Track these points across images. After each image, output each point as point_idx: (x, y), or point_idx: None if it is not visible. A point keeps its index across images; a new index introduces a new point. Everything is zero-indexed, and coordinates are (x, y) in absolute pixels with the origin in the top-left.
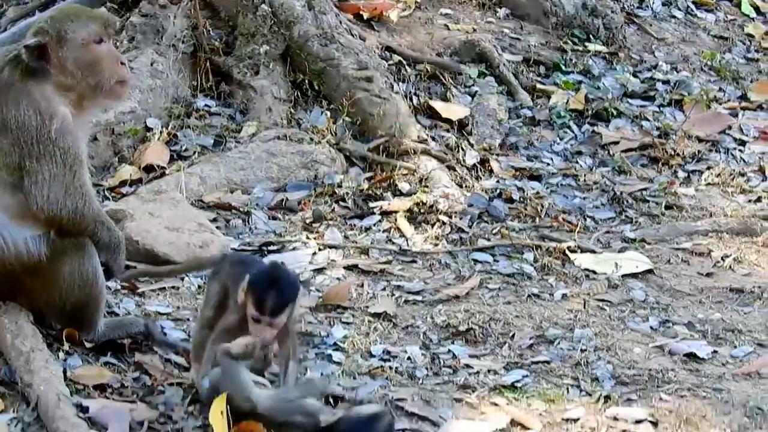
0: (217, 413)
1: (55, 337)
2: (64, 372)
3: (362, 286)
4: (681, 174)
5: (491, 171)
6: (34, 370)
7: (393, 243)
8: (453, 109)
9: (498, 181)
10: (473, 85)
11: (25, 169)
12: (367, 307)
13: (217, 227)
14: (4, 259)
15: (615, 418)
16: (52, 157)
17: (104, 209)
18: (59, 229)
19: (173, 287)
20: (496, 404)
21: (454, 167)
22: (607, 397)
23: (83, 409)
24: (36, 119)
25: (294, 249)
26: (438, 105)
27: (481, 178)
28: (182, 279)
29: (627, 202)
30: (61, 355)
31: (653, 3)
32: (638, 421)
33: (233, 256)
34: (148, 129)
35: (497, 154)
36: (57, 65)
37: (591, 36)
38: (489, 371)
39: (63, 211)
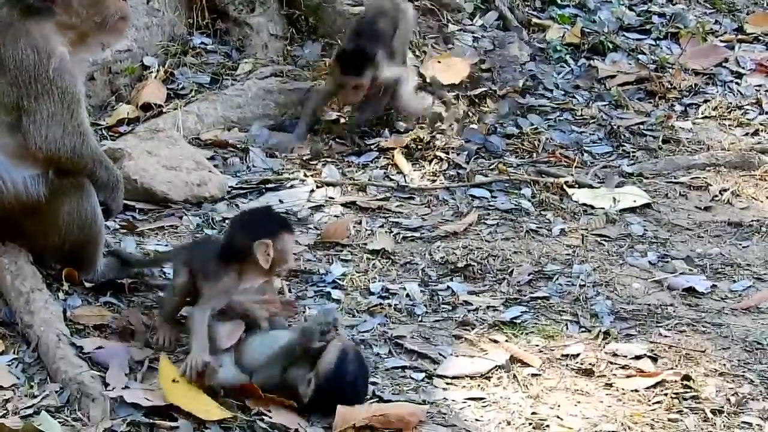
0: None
1: (54, 277)
2: (64, 312)
3: (360, 223)
4: (678, 107)
5: (488, 107)
6: (34, 310)
7: (391, 180)
8: (454, 69)
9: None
10: (471, 24)
11: (23, 109)
12: (366, 244)
13: (215, 165)
14: (2, 199)
15: (614, 354)
16: (50, 96)
17: (102, 148)
18: (58, 168)
19: (172, 226)
20: (495, 341)
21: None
22: (607, 333)
23: (83, 349)
24: (34, 58)
25: (292, 186)
26: (437, 68)
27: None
28: (180, 218)
29: (624, 136)
30: (61, 295)
31: None
32: (638, 357)
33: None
34: (144, 67)
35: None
36: (61, 4)
37: None
38: (488, 308)
39: (61, 151)
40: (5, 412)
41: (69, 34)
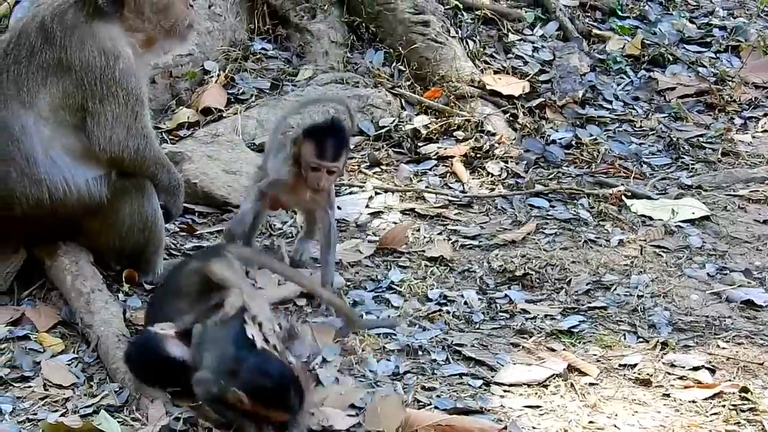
0: None
1: (114, 278)
2: (124, 313)
3: (419, 230)
4: (737, 121)
5: (547, 118)
6: (94, 310)
7: (449, 187)
8: (510, 86)
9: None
10: (531, 34)
11: (87, 111)
12: (424, 251)
13: None
14: (65, 200)
15: (672, 365)
16: (115, 98)
17: (163, 152)
18: (120, 170)
19: None
20: (553, 349)
21: (511, 112)
22: (665, 344)
23: None
24: (101, 60)
25: (350, 193)
26: (495, 81)
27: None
28: None
29: (683, 148)
30: (121, 296)
31: None
32: (695, 368)
33: None
34: (205, 72)
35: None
36: (131, 8)
37: None
38: (546, 316)
39: (125, 152)
40: (65, 411)
41: (135, 37)
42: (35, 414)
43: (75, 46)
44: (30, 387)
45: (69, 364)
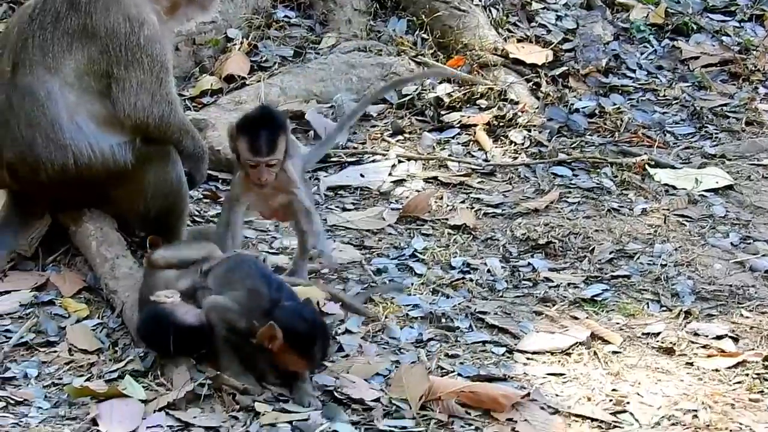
0: None
1: (139, 244)
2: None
3: (442, 198)
4: (762, 90)
5: (570, 86)
6: (119, 276)
7: (472, 156)
8: (533, 54)
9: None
10: (555, 2)
11: (112, 77)
12: (447, 219)
13: (297, 137)
14: (90, 165)
15: (695, 334)
16: (140, 64)
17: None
18: (145, 136)
19: None
20: (576, 318)
21: (534, 80)
22: (688, 313)
23: None
24: (126, 26)
25: (373, 161)
26: (518, 49)
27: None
28: None
29: (707, 117)
30: (144, 262)
31: None
32: (719, 337)
33: None
34: (228, 40)
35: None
36: None
37: None
38: (569, 285)
39: (149, 119)
40: (90, 375)
41: (160, 4)
42: (60, 378)
43: (100, 13)
44: (55, 352)
45: (94, 330)
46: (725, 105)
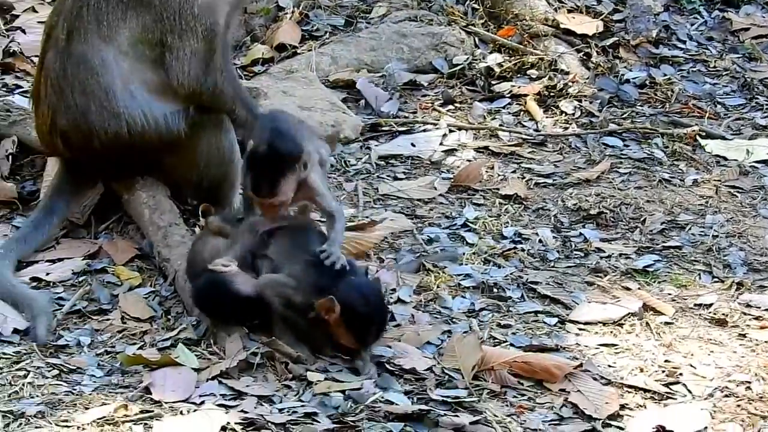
0: None
1: (191, 212)
2: None
3: (492, 168)
4: None
5: (620, 57)
6: (172, 244)
7: (523, 126)
8: (583, 25)
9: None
10: None
11: (166, 45)
12: (498, 189)
13: (348, 107)
14: (143, 133)
15: (747, 305)
16: (194, 32)
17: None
18: (198, 105)
19: None
20: (628, 288)
21: (584, 51)
22: (740, 284)
23: None
24: None
25: (424, 130)
26: (569, 20)
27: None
28: None
29: (757, 89)
30: (198, 230)
31: None
32: None
33: None
34: (280, 8)
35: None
36: None
37: None
38: (620, 255)
39: (203, 87)
40: (142, 343)
41: None
42: (113, 347)
43: None
44: (108, 320)
45: (146, 298)
46: None
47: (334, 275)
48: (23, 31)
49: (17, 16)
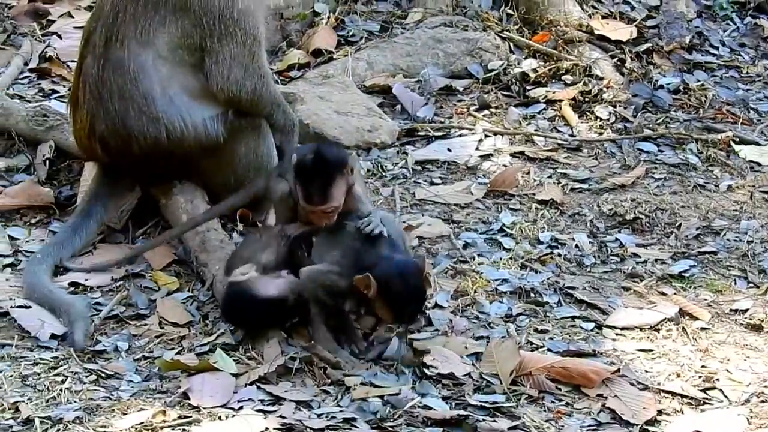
0: None
1: (229, 217)
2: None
3: (528, 173)
4: None
5: (654, 63)
6: (210, 249)
7: (558, 131)
8: (617, 31)
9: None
10: None
11: (206, 50)
12: (534, 194)
13: (384, 111)
14: (182, 138)
15: None
16: (233, 37)
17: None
18: (237, 109)
19: None
20: (664, 293)
21: (618, 56)
22: None
23: None
24: (219, 0)
25: (460, 135)
26: (602, 26)
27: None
28: None
29: None
30: (235, 235)
31: None
32: None
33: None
34: (315, 14)
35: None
36: None
37: None
38: (656, 260)
39: (242, 92)
40: (180, 348)
41: None
42: (151, 352)
43: None
44: (146, 325)
45: (184, 303)
46: None
47: (375, 255)
48: (59, 36)
49: (53, 21)
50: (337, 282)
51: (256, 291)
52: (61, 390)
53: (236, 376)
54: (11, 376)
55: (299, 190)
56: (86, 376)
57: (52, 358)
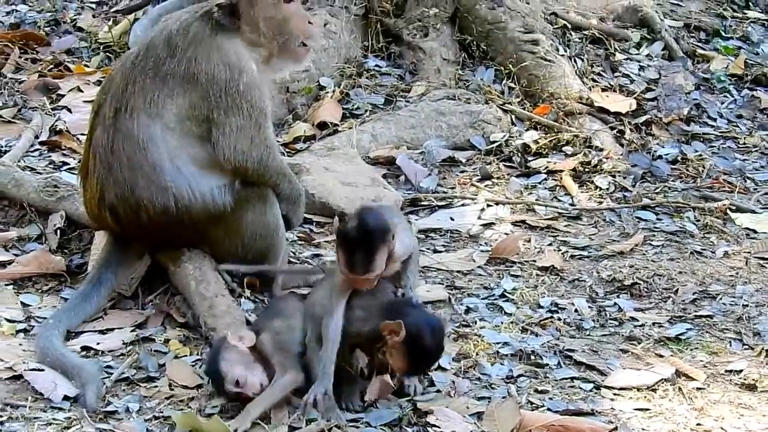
0: None
1: (236, 284)
2: (247, 319)
3: (529, 241)
4: None
5: (653, 134)
6: (218, 314)
7: (558, 200)
8: (617, 103)
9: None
10: (638, 53)
11: (213, 121)
12: (535, 261)
13: (388, 182)
14: (190, 207)
15: None
16: (239, 109)
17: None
18: (244, 179)
19: None
20: (661, 355)
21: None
22: None
23: None
24: (226, 73)
25: (463, 205)
26: (602, 98)
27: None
28: None
29: None
30: (243, 301)
31: None
32: None
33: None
34: (321, 88)
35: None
36: (248, 22)
37: (750, 3)
38: (654, 324)
39: (248, 162)
40: (190, 410)
41: (258, 51)
42: (161, 412)
43: (201, 59)
44: (156, 387)
45: (193, 366)
46: None
47: (404, 304)
48: (69, 110)
49: (63, 96)
50: (361, 329)
51: (222, 362)
52: None
53: None
54: None
55: (341, 257)
56: None
57: (65, 418)
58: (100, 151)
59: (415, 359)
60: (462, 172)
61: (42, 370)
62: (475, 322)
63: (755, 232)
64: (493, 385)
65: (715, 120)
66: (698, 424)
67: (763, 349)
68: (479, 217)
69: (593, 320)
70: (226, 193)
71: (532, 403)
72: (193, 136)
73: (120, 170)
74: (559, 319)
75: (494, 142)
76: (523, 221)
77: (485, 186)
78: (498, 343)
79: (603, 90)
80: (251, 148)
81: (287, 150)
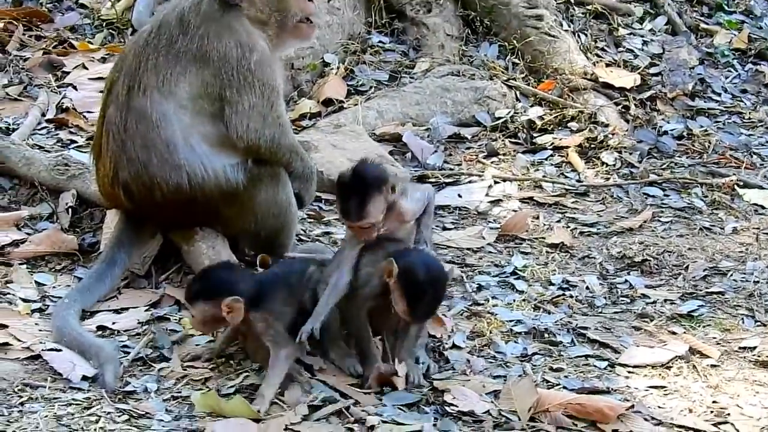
0: None
1: (249, 262)
2: None
3: (538, 217)
4: None
5: (658, 109)
6: None
7: (565, 177)
8: (621, 78)
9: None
10: (641, 28)
11: (225, 100)
12: (544, 238)
13: (395, 159)
14: (204, 186)
15: None
16: (251, 88)
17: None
18: (256, 157)
19: None
20: (674, 332)
21: (623, 104)
22: None
23: None
24: (237, 52)
25: (470, 182)
26: (607, 73)
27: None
28: None
29: None
30: None
31: None
32: None
33: None
34: (325, 64)
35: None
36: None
37: None
38: (665, 301)
39: (261, 140)
40: (207, 389)
41: (266, 30)
42: (179, 392)
43: (212, 39)
44: (170, 367)
45: (206, 345)
46: None
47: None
48: (75, 88)
49: (68, 73)
50: (371, 282)
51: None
52: (95, 429)
53: (257, 421)
54: (46, 416)
55: (337, 205)
56: (119, 416)
57: (84, 398)
58: (114, 129)
59: (412, 297)
60: (468, 148)
61: (60, 350)
62: (488, 300)
63: (763, 207)
64: (508, 364)
65: (719, 95)
66: (714, 402)
67: None
68: (487, 194)
69: (605, 297)
70: (239, 172)
71: (547, 382)
72: (205, 115)
73: (133, 148)
74: (571, 297)
75: (499, 118)
76: (531, 198)
77: (492, 162)
78: (511, 321)
79: (607, 65)
80: (264, 126)
81: (293, 127)
